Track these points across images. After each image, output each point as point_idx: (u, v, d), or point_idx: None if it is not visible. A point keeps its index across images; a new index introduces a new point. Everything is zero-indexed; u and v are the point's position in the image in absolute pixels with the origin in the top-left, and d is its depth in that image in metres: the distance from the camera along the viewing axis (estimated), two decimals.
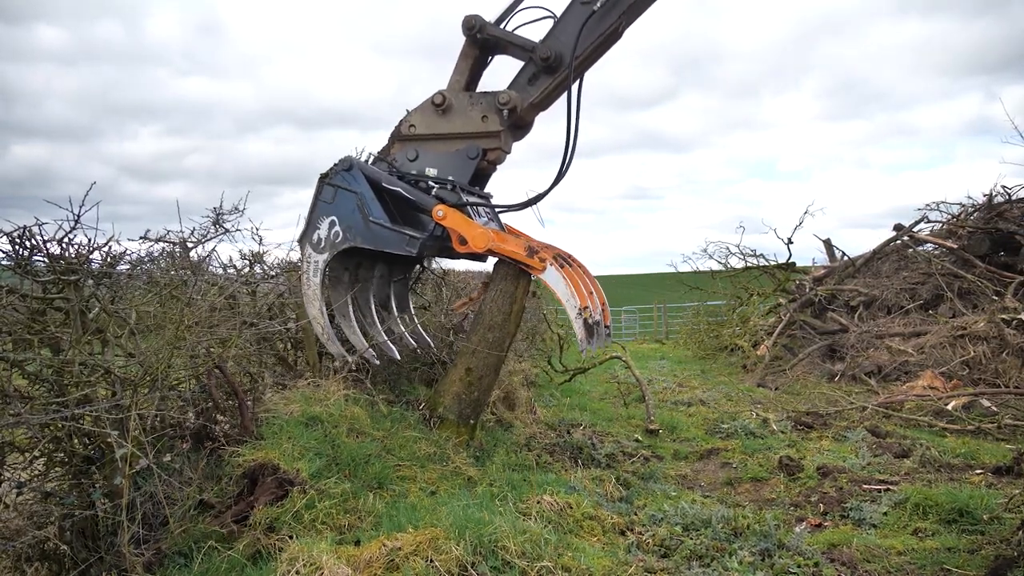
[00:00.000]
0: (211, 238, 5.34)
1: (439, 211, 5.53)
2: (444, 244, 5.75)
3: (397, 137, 6.03)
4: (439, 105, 5.82)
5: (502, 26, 5.87)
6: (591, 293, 5.78)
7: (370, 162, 5.98)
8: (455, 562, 3.44)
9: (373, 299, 6.29)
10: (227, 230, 5.41)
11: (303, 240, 5.78)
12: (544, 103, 5.91)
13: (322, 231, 5.68)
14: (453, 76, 5.97)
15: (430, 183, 5.81)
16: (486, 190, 6.34)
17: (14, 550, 3.29)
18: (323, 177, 5.72)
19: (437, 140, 5.91)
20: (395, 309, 6.60)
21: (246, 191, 5.42)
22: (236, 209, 5.46)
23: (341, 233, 5.64)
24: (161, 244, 5.05)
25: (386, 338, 6.13)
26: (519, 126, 6.08)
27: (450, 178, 5.80)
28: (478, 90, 6.03)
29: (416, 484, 4.70)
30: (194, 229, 5.28)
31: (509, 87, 5.82)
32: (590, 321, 5.44)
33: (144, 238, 4.88)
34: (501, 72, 6.43)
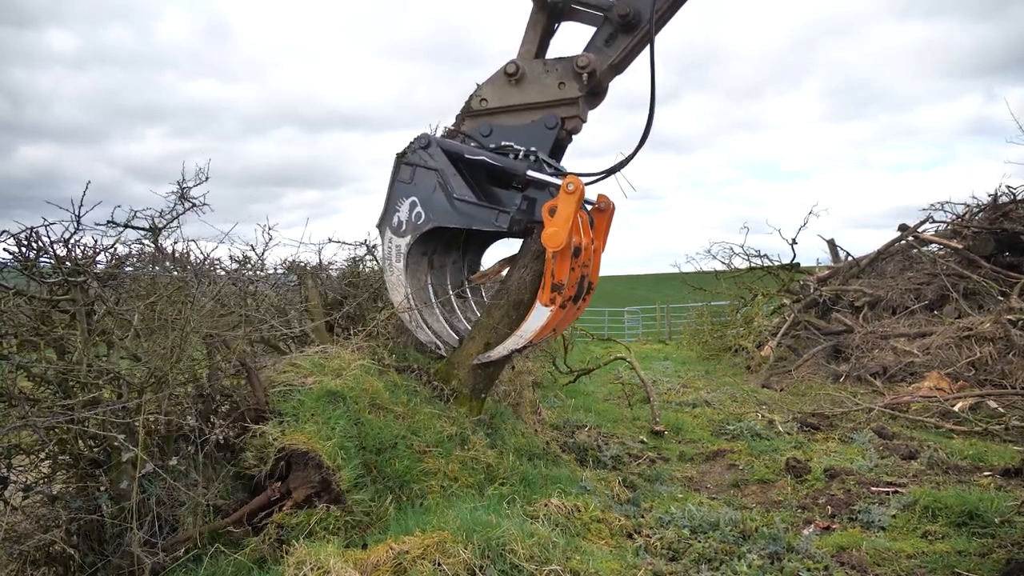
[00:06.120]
0: (179, 215, 4.94)
1: (570, 184, 5.00)
2: (530, 218, 5.45)
3: (467, 113, 5.71)
4: (512, 75, 5.46)
5: None
6: (554, 331, 5.72)
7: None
8: (463, 565, 3.42)
9: (450, 286, 6.11)
10: (194, 204, 4.96)
11: (382, 225, 5.54)
12: (622, 64, 5.59)
13: (402, 213, 5.45)
14: (523, 45, 5.66)
15: (515, 147, 5.43)
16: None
17: (20, 553, 3.28)
18: (400, 156, 5.46)
19: (511, 113, 5.57)
20: (469, 297, 6.39)
21: (208, 159, 5.02)
22: (199, 178, 4.92)
23: (423, 214, 5.37)
24: (130, 230, 4.67)
25: (468, 325, 5.91)
26: (595, 92, 5.71)
27: (532, 148, 5.43)
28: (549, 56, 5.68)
29: (437, 480, 4.59)
30: (162, 211, 4.91)
31: (585, 50, 5.48)
32: (511, 349, 5.41)
33: (111, 223, 4.45)
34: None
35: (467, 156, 5.43)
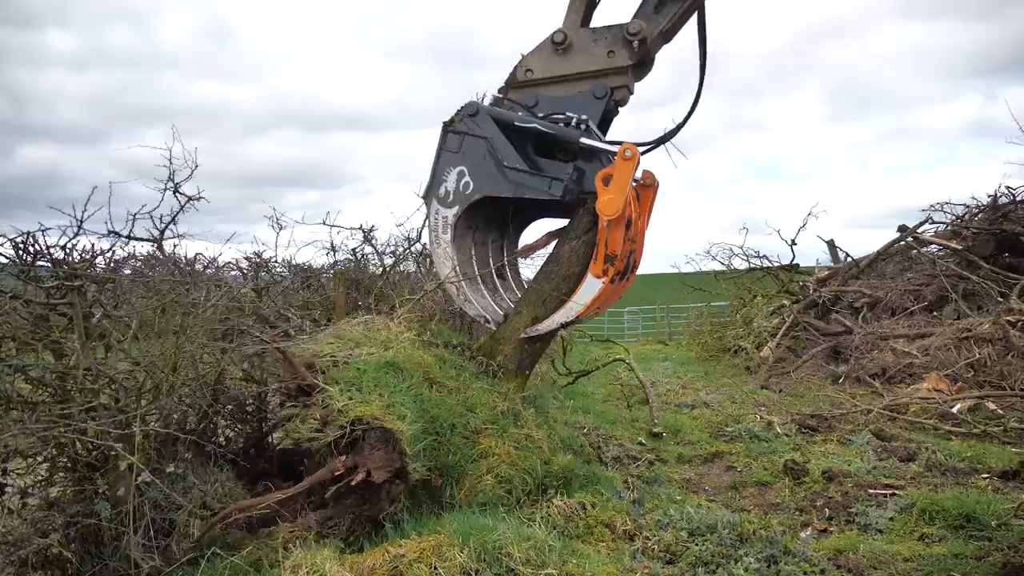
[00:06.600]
0: (176, 214, 4.85)
1: (627, 151, 4.85)
2: (580, 189, 5.30)
3: (511, 85, 5.56)
4: (559, 44, 5.30)
5: None
6: (599, 308, 5.62)
7: None
8: (459, 569, 3.43)
9: (492, 264, 6.04)
10: (189, 198, 4.86)
11: (428, 196, 5.44)
12: (671, 32, 5.49)
13: (449, 183, 5.34)
14: (568, 15, 5.51)
15: (568, 115, 5.28)
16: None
17: (18, 557, 3.28)
18: (447, 125, 5.35)
19: (557, 83, 5.40)
20: (509, 277, 6.33)
21: (194, 147, 4.82)
22: (188, 164, 4.74)
23: (472, 183, 5.26)
24: (132, 241, 4.65)
25: (510, 303, 5.83)
26: (643, 62, 5.55)
27: (583, 116, 5.25)
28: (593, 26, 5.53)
29: (489, 465, 4.53)
30: (160, 213, 4.82)
31: (634, 18, 5.35)
32: (560, 323, 5.32)
33: (112, 232, 4.41)
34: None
35: (517, 124, 5.30)
